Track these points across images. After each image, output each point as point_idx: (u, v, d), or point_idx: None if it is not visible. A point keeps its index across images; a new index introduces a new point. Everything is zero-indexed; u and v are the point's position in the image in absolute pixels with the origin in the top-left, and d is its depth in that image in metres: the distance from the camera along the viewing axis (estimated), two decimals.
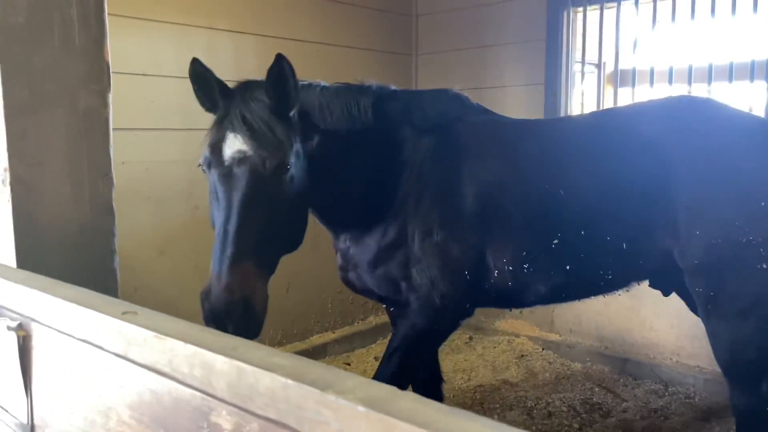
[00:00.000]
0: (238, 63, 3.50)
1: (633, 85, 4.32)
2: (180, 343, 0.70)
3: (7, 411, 1.01)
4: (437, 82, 5.00)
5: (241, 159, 1.91)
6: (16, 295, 0.97)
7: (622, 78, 4.41)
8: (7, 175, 1.17)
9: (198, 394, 0.68)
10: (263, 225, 1.88)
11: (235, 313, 1.72)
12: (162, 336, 0.72)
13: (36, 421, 0.96)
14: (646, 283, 3.92)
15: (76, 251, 1.26)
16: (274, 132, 1.99)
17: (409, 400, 0.53)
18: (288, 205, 2.00)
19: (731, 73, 3.92)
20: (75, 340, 0.85)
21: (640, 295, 4.34)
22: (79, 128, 1.26)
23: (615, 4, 4.30)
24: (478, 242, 2.19)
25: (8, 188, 1.18)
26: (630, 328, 4.45)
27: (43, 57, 1.20)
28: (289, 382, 0.59)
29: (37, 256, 1.20)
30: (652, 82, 4.25)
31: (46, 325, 0.91)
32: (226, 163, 1.91)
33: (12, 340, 0.94)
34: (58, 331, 0.88)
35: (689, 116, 2.25)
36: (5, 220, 1.17)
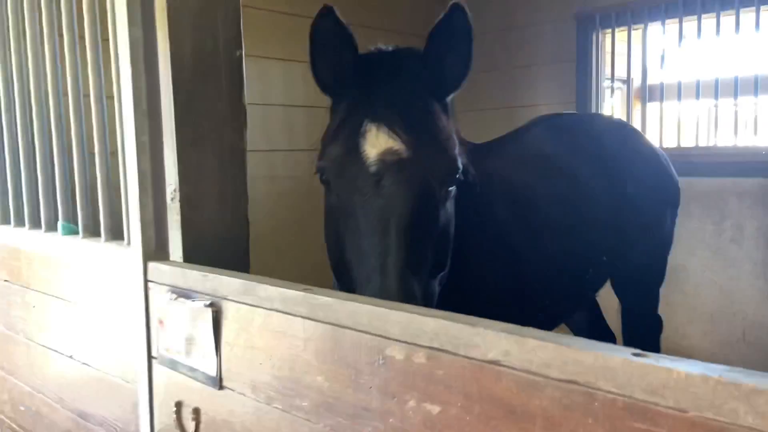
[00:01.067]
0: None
1: (661, 100, 4.66)
2: (360, 305, 1.07)
3: (197, 369, 1.38)
4: (472, 101, 5.38)
5: (397, 164, 1.36)
6: (209, 282, 1.35)
7: (650, 93, 4.75)
8: (177, 194, 1.56)
9: (375, 337, 1.04)
10: (434, 263, 1.41)
11: None
12: (343, 301, 1.09)
13: (223, 374, 1.33)
14: (680, 291, 4.29)
15: (222, 253, 1.64)
16: (437, 123, 1.45)
17: (530, 328, 0.89)
18: (452, 232, 1.50)
19: (756, 86, 4.26)
20: (265, 310, 1.22)
21: (673, 303, 4.64)
22: (224, 158, 1.64)
23: (642, 26, 4.66)
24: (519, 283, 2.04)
25: (177, 204, 1.56)
26: (664, 336, 4.73)
27: (201, 102, 1.59)
28: (447, 322, 0.95)
29: (197, 256, 1.58)
30: (679, 97, 4.59)
31: (236, 301, 1.28)
32: (372, 169, 1.37)
33: (207, 315, 1.32)
34: (249, 305, 1.26)
35: (595, 134, 2.70)
36: (176, 228, 1.56)
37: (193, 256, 1.58)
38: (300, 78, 4.00)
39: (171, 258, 1.57)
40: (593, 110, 4.93)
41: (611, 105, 5.04)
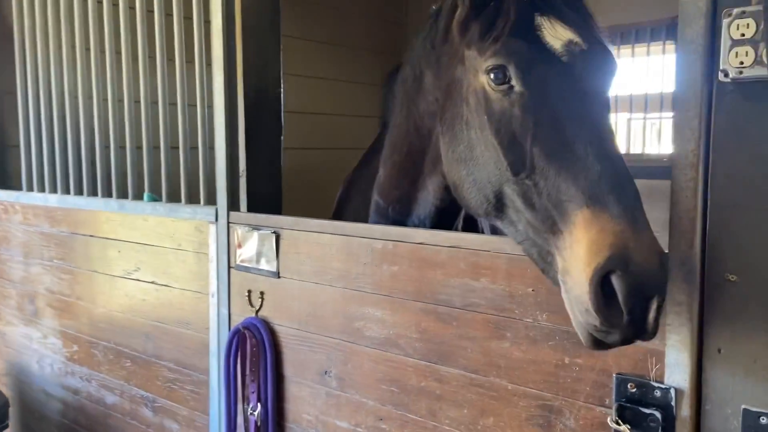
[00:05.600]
0: None
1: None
2: (358, 225, 2.39)
3: (263, 269, 2.68)
4: None
5: (584, 55, 1.57)
6: (271, 220, 2.65)
7: None
8: (244, 173, 2.85)
9: (367, 239, 2.36)
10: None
11: (664, 281, 1.40)
12: (350, 223, 2.41)
13: (280, 270, 2.63)
14: None
15: (267, 207, 2.93)
16: (596, 21, 1.72)
17: (437, 231, 2.24)
18: None
19: (661, 102, 5.76)
20: (306, 233, 2.53)
21: None
22: (269, 153, 2.94)
23: None
24: None
25: (244, 179, 2.85)
26: None
27: (258, 122, 2.89)
28: (402, 229, 2.28)
29: (254, 208, 2.87)
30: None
31: (290, 229, 2.59)
32: (565, 60, 1.56)
33: (272, 237, 2.62)
34: (298, 230, 2.56)
35: None
36: (244, 192, 2.85)
37: (252, 208, 2.87)
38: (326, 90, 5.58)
39: (240, 210, 2.87)
40: None
41: None
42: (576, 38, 1.59)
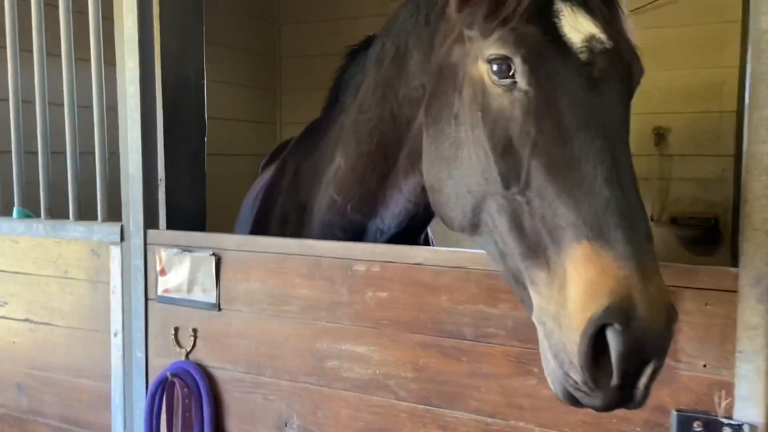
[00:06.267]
0: None
1: None
2: (334, 243, 1.97)
3: (197, 300, 2.16)
4: None
5: (606, 55, 1.32)
6: (211, 240, 2.15)
7: None
8: (162, 182, 2.31)
9: (346, 261, 1.95)
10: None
11: (667, 344, 1.17)
12: (321, 242, 1.99)
13: (221, 302, 2.13)
14: None
15: (189, 221, 2.41)
16: (623, 15, 1.45)
17: (435, 248, 1.88)
18: None
19: None
20: (260, 254, 2.06)
21: None
22: (191, 159, 2.43)
23: None
24: None
25: (162, 188, 2.31)
26: None
27: (179, 121, 2.37)
28: (393, 247, 1.90)
29: (173, 224, 2.34)
30: None
31: (236, 251, 2.10)
32: (583, 58, 1.30)
33: (211, 261, 2.12)
34: (247, 251, 2.08)
35: None
36: (162, 205, 2.31)
37: (173, 225, 2.34)
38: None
39: (158, 227, 2.32)
40: None
41: None
42: (599, 33, 1.35)
